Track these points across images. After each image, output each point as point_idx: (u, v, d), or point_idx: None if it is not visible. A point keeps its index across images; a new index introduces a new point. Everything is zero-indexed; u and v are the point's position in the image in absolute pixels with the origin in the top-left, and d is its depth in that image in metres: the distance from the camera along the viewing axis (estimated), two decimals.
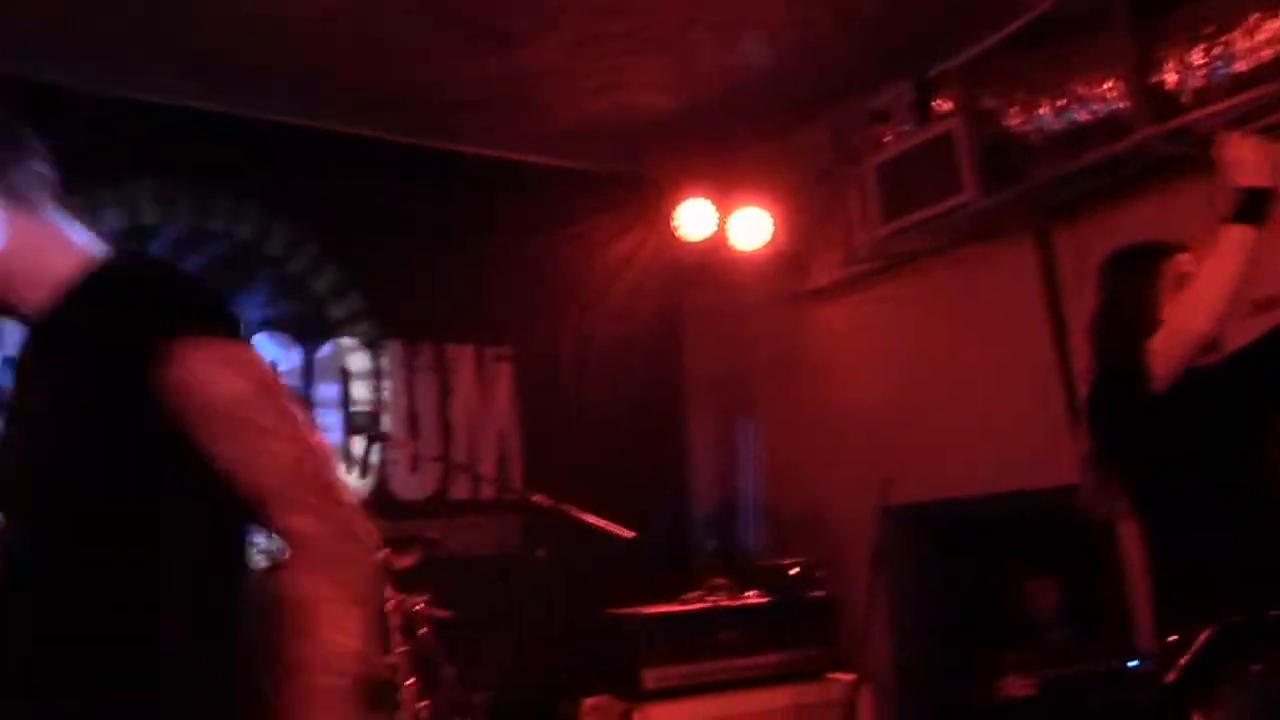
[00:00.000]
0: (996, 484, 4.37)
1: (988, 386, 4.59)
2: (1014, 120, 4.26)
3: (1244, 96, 3.59)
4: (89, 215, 5.05)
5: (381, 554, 3.83)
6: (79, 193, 4.83)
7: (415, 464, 5.26)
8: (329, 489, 1.39)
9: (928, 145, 4.45)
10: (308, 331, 5.09)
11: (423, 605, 3.95)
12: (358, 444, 5.10)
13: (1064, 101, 4.10)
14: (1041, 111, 4.17)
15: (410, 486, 5.25)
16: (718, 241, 5.47)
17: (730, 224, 5.42)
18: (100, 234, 1.69)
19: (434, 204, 5.15)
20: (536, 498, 4.21)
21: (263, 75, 4.51)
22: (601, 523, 4.14)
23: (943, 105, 4.57)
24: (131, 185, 4.71)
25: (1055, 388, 4.24)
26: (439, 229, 5.20)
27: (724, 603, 4.59)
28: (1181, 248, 2.61)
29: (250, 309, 4.94)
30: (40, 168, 1.56)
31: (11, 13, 3.92)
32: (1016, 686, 3.82)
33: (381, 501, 5.11)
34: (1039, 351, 4.36)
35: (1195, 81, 3.73)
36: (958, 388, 4.72)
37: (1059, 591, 4.45)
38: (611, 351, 5.62)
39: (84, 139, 4.44)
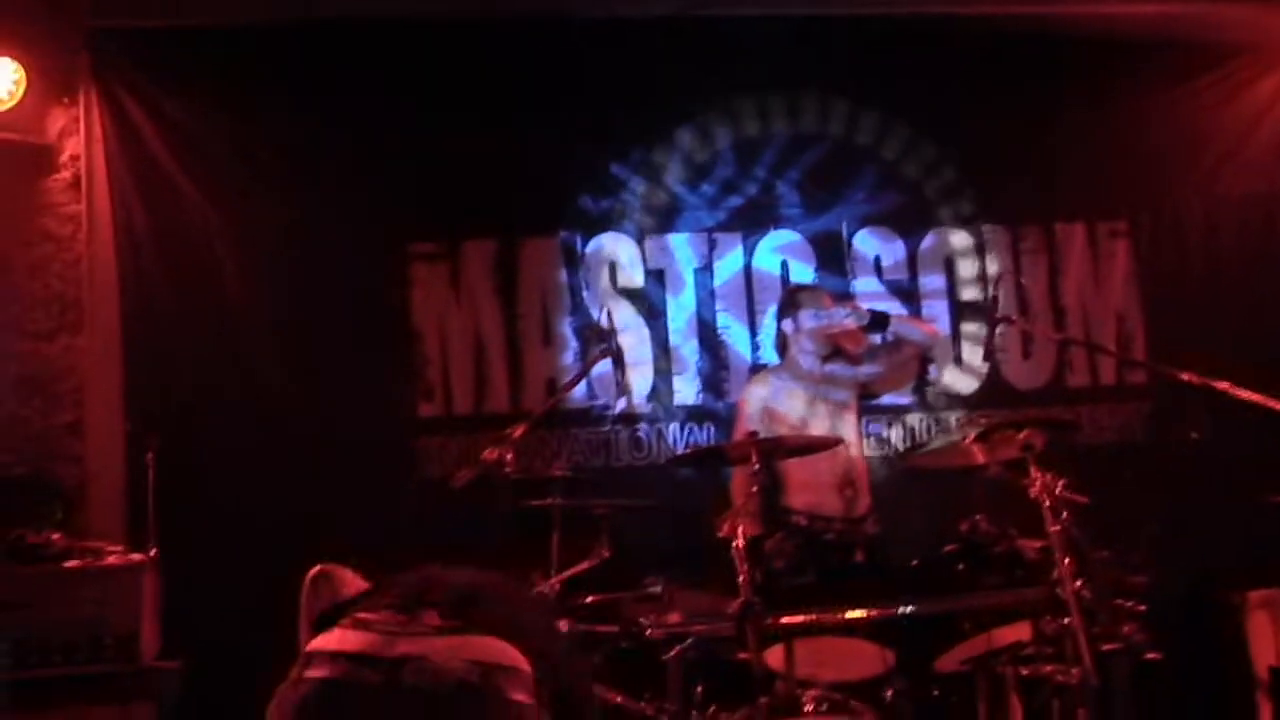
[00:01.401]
0: None
1: None
2: None
3: None
4: (702, 135, 5.35)
5: (1022, 434, 3.77)
6: (681, 122, 5.09)
7: (1028, 351, 5.10)
8: None
9: None
10: (910, 223, 5.11)
11: (1063, 488, 3.83)
12: (974, 332, 5.06)
13: None
14: None
15: (1025, 375, 5.11)
16: None
17: None
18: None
19: (1032, 77, 4.91)
20: (1186, 376, 3.87)
21: None
22: (1272, 403, 3.70)
23: None
24: (737, 102, 4.99)
25: None
26: (1040, 103, 4.95)
27: None
28: None
29: (853, 205, 5.06)
30: None
31: None
32: None
33: (996, 390, 5.03)
34: None
35: None
36: None
37: None
38: (1250, 213, 5.04)
39: (677, 64, 4.78)
